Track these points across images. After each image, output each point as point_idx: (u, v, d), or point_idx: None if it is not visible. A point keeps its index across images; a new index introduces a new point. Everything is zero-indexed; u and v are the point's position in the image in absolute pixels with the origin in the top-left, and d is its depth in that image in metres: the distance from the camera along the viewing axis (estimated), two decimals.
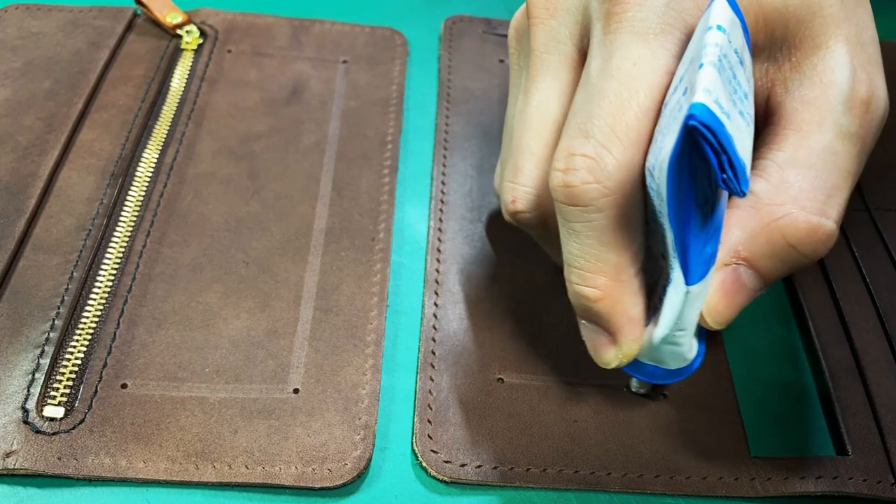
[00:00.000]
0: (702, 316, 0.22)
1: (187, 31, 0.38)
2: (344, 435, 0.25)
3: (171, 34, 0.38)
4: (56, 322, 0.26)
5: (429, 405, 0.26)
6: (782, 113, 0.21)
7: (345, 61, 0.38)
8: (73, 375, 0.25)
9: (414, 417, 0.26)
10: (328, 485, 0.24)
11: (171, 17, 0.37)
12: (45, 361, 0.25)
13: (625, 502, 0.24)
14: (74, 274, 0.28)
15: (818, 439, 0.26)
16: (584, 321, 0.23)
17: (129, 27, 0.38)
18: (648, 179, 0.19)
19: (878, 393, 0.26)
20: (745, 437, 0.25)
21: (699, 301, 0.21)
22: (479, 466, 0.24)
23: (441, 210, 0.32)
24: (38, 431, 0.24)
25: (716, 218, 0.20)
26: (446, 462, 0.24)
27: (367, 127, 0.35)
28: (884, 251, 0.31)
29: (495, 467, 0.24)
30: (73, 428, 0.24)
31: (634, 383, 0.27)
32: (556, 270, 0.30)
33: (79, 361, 0.26)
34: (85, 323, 0.27)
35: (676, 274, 0.20)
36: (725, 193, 0.20)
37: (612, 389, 0.27)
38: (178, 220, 0.30)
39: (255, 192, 0.32)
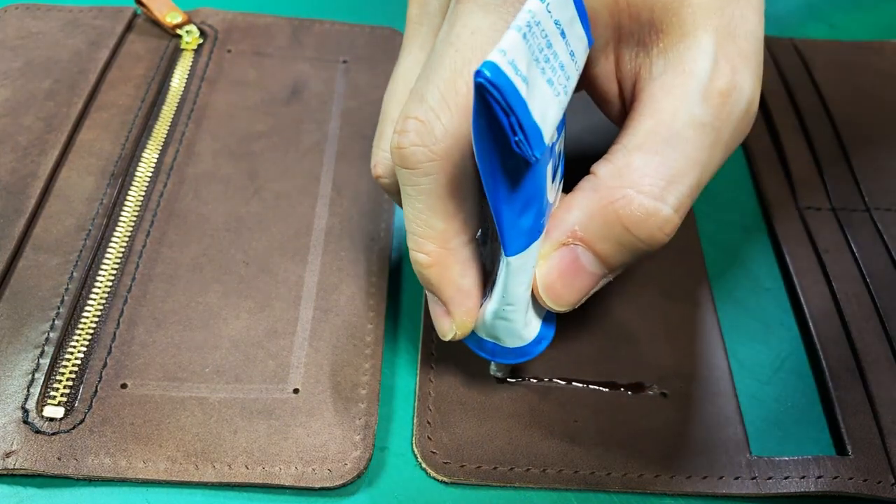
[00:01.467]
0: (540, 296, 0.22)
1: (187, 31, 0.38)
2: (344, 435, 0.25)
3: (171, 34, 0.38)
4: (56, 322, 0.26)
5: (428, 406, 0.26)
6: (642, 98, 0.21)
7: (345, 61, 0.38)
8: (73, 375, 0.25)
9: (413, 418, 0.26)
10: (328, 485, 0.24)
11: (171, 17, 0.37)
12: (45, 361, 0.25)
13: (625, 502, 0.24)
14: (74, 274, 0.28)
15: (818, 439, 0.26)
16: (427, 291, 0.23)
17: (128, 27, 0.38)
18: None
19: (879, 393, 0.26)
20: (746, 436, 0.25)
21: (523, 276, 0.21)
22: (479, 467, 0.24)
23: None
24: (37, 431, 0.24)
25: (528, 189, 0.19)
26: (446, 462, 0.24)
27: (367, 127, 0.35)
28: (884, 251, 0.31)
29: (495, 468, 0.24)
30: (73, 428, 0.24)
31: (493, 366, 0.26)
32: None
33: (79, 361, 0.26)
34: (85, 323, 0.27)
35: (498, 245, 0.20)
36: (543, 167, 0.19)
37: (611, 390, 0.27)
38: (177, 220, 0.30)
39: (255, 192, 0.32)
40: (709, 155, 0.20)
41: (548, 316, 0.24)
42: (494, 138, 0.17)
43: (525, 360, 0.24)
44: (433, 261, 0.21)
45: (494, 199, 0.19)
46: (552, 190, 0.21)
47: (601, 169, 0.21)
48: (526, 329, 0.23)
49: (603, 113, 0.24)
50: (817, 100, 0.38)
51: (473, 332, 0.23)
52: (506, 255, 0.20)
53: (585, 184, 0.21)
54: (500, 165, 0.18)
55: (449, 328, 0.23)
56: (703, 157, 0.20)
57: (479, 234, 0.22)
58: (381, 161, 0.24)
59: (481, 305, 0.22)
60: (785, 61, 0.40)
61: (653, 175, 0.20)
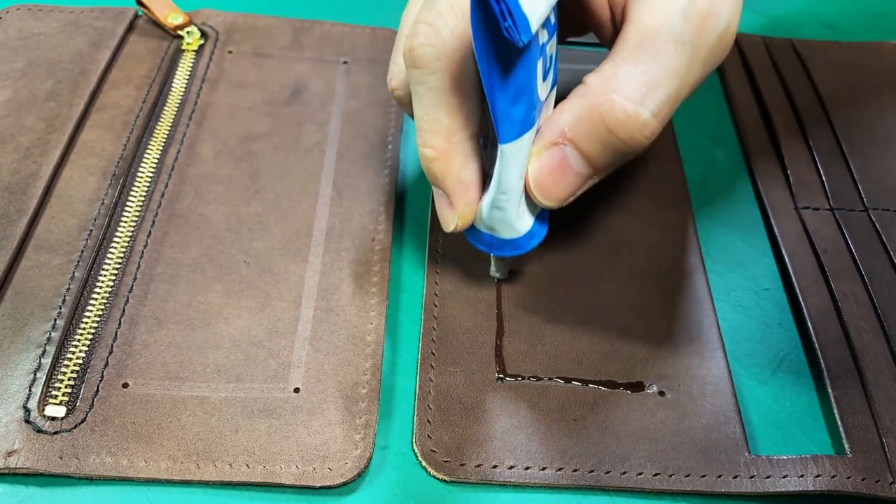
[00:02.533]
0: (532, 191, 0.24)
1: (188, 32, 0.38)
2: (344, 434, 0.25)
3: (172, 35, 0.38)
4: (58, 322, 0.27)
5: (428, 405, 0.26)
6: (630, 18, 0.23)
7: (345, 62, 0.38)
8: (75, 375, 0.25)
9: (414, 417, 0.26)
10: (328, 484, 0.24)
11: (172, 18, 0.38)
12: (47, 361, 0.26)
13: (624, 501, 0.24)
14: (76, 274, 0.28)
15: (817, 438, 0.26)
16: (434, 187, 0.25)
17: (130, 28, 0.38)
18: None
19: (877, 393, 0.26)
20: (745, 435, 0.26)
21: (515, 165, 0.23)
22: (479, 465, 0.24)
23: None
24: (39, 431, 0.24)
25: (519, 78, 0.21)
26: (446, 461, 0.25)
27: (367, 127, 0.35)
28: (883, 251, 0.31)
29: (495, 466, 0.24)
30: (75, 427, 0.24)
31: (492, 267, 0.29)
32: (556, 269, 0.30)
33: (80, 361, 0.26)
34: (86, 322, 0.27)
35: (493, 134, 0.23)
36: (533, 60, 0.21)
37: (610, 389, 0.27)
38: (178, 221, 0.30)
39: (256, 193, 0.32)
40: (686, 69, 0.23)
41: (540, 215, 0.26)
42: (488, 27, 0.19)
43: (519, 253, 0.26)
44: (438, 154, 0.24)
45: (489, 86, 0.21)
46: (543, 89, 0.23)
47: (590, 78, 0.23)
48: (518, 220, 0.25)
49: (598, 38, 0.27)
50: (816, 100, 0.38)
51: (473, 226, 0.26)
52: (500, 143, 0.22)
53: (576, 91, 0.23)
54: (494, 53, 0.20)
55: (451, 219, 0.25)
56: (682, 70, 0.23)
57: (481, 140, 0.24)
58: (395, 74, 0.26)
59: (480, 199, 0.25)
60: (783, 62, 0.40)
61: (635, 83, 0.22)
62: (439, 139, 0.24)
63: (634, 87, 0.22)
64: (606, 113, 0.22)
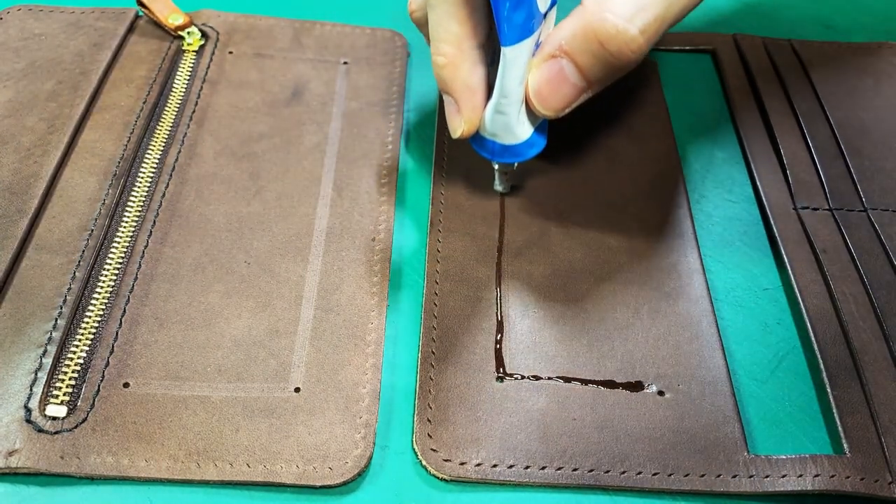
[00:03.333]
0: (531, 100, 0.27)
1: (189, 33, 0.38)
2: (345, 433, 0.25)
3: (173, 35, 0.38)
4: (59, 322, 0.27)
5: (429, 404, 0.26)
6: None
7: (345, 62, 0.38)
8: (76, 374, 0.26)
9: (414, 416, 0.26)
10: (329, 483, 0.24)
11: (173, 19, 0.38)
12: (48, 361, 0.26)
13: (623, 500, 0.25)
14: (77, 274, 0.28)
15: (816, 438, 0.26)
16: (444, 95, 0.28)
17: (130, 28, 0.38)
18: None
19: (876, 392, 0.27)
20: (744, 435, 0.26)
21: (516, 70, 0.26)
22: (479, 465, 0.25)
23: (441, 210, 0.32)
24: (40, 430, 0.24)
25: None
26: (446, 460, 0.25)
27: (367, 128, 0.35)
28: (881, 251, 0.31)
29: (494, 465, 0.25)
30: (76, 427, 0.24)
31: (496, 181, 0.32)
32: (556, 269, 0.30)
33: (81, 361, 0.26)
34: (87, 322, 0.27)
35: (497, 44, 0.26)
36: None
37: (610, 388, 0.27)
38: (179, 221, 0.30)
39: (257, 193, 0.32)
40: None
41: (540, 127, 0.29)
42: None
43: (518, 160, 0.29)
44: (448, 61, 0.27)
45: None
46: (543, 3, 0.26)
47: (587, 0, 0.26)
48: (519, 127, 0.28)
49: None
50: (815, 101, 0.38)
51: (478, 134, 0.29)
52: (502, 46, 0.25)
53: (574, 11, 0.26)
54: None
55: (458, 124, 0.28)
56: None
57: (488, 58, 0.28)
58: None
59: (485, 106, 0.28)
60: (783, 62, 0.40)
61: (625, 3, 0.25)
62: (450, 46, 0.27)
63: (624, 5, 0.25)
64: (599, 28, 0.25)
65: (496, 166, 0.32)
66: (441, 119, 0.36)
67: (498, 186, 0.32)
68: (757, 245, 0.32)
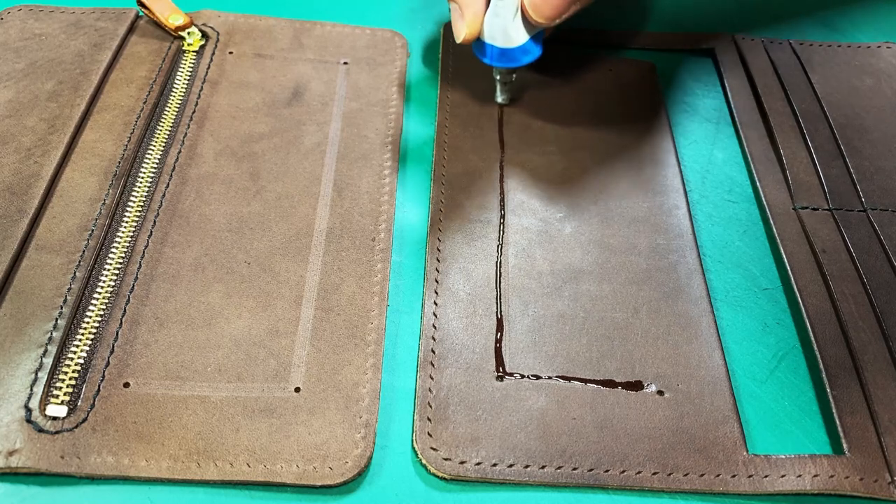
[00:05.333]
0: (526, 8, 0.30)
1: (189, 33, 0.38)
2: (345, 433, 0.25)
3: (173, 36, 0.38)
4: (59, 321, 0.27)
5: (429, 403, 0.26)
6: None
7: (346, 63, 0.38)
8: (76, 374, 0.26)
9: (414, 415, 0.26)
10: (329, 483, 0.24)
11: (173, 19, 0.38)
12: (48, 360, 0.26)
13: (623, 500, 0.25)
14: (77, 274, 0.28)
15: (815, 438, 0.26)
16: (450, 2, 0.32)
17: (131, 29, 0.38)
18: None
19: (875, 392, 0.27)
20: (743, 434, 0.26)
21: None
22: (479, 464, 0.25)
23: (441, 210, 0.32)
24: (40, 430, 0.24)
25: None
26: (446, 459, 0.25)
27: (367, 128, 0.35)
28: (881, 251, 0.31)
29: (494, 464, 0.25)
30: (76, 427, 0.24)
31: (497, 94, 0.36)
32: (556, 269, 0.30)
33: (81, 360, 0.26)
34: (88, 322, 0.27)
35: None
36: None
37: (609, 388, 0.27)
38: (180, 221, 0.30)
39: (257, 193, 0.32)
40: None
41: (535, 37, 0.32)
42: None
43: (514, 65, 0.33)
44: None
45: None
46: None
47: None
48: (514, 32, 0.31)
49: None
50: (815, 101, 0.38)
51: (479, 39, 0.32)
52: None
53: None
54: None
55: (462, 29, 0.32)
56: None
57: None
58: None
59: (485, 13, 0.31)
60: (782, 62, 0.40)
61: None
62: None
63: None
64: None
65: (497, 76, 0.35)
66: (441, 119, 0.36)
67: (499, 97, 0.36)
68: (757, 245, 0.32)
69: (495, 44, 0.32)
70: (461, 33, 0.32)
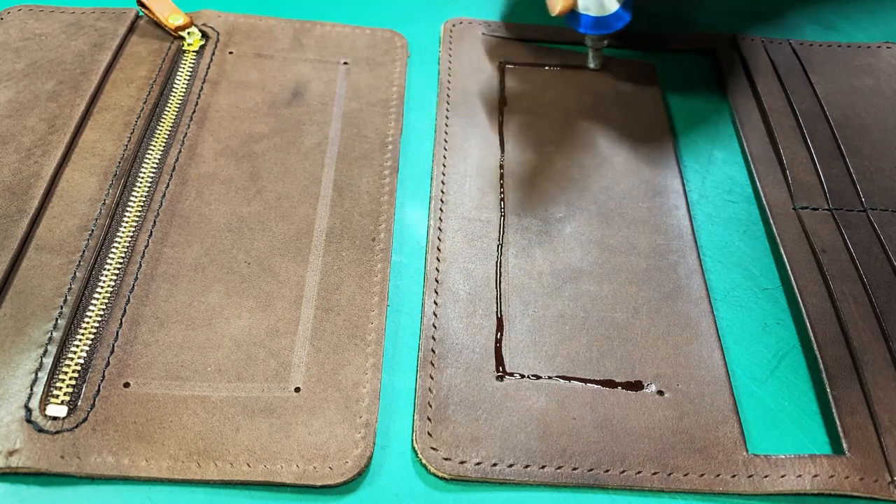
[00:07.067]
0: None
1: (189, 33, 0.38)
2: (345, 433, 0.25)
3: (173, 36, 0.38)
4: (59, 321, 0.27)
5: (429, 403, 0.26)
6: None
7: (346, 63, 0.38)
8: (76, 374, 0.26)
9: (414, 415, 0.26)
10: (329, 483, 0.24)
11: (173, 19, 0.38)
12: (48, 360, 0.26)
13: (623, 500, 0.25)
14: (77, 274, 0.28)
15: (815, 438, 0.26)
16: None
17: (131, 29, 0.38)
18: None
19: (875, 392, 0.27)
20: (743, 434, 0.26)
21: None
22: (479, 463, 0.25)
23: (441, 210, 0.32)
24: (41, 430, 0.24)
25: None
26: (446, 459, 0.25)
27: (367, 128, 0.35)
28: (881, 251, 0.31)
29: (494, 464, 0.25)
30: (76, 427, 0.24)
31: (589, 59, 0.39)
32: (556, 269, 0.30)
33: (81, 360, 0.26)
34: (88, 322, 0.27)
35: None
36: None
37: (609, 388, 0.27)
38: (180, 221, 0.30)
39: (257, 193, 0.32)
40: None
41: (626, 4, 0.35)
42: None
43: (607, 31, 0.35)
44: None
45: None
46: None
47: None
48: (607, 0, 0.34)
49: None
50: (815, 101, 0.38)
51: (572, 10, 0.35)
52: None
53: None
54: None
55: (557, 3, 0.34)
56: None
57: None
58: None
59: None
60: (782, 62, 0.40)
61: None
62: None
63: None
64: None
65: (589, 43, 0.38)
66: (441, 119, 0.36)
67: (591, 63, 0.38)
68: (757, 245, 0.32)
69: (589, 13, 0.34)
70: (556, 5, 0.34)
